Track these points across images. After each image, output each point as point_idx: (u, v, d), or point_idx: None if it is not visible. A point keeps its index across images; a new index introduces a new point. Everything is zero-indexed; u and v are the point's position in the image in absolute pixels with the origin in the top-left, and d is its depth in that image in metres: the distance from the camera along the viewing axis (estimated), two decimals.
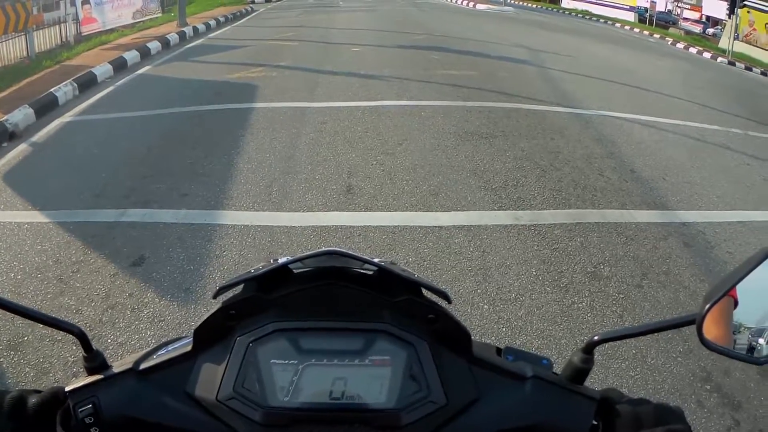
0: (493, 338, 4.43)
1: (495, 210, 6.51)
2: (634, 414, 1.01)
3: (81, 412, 0.97)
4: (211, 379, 0.99)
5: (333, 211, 6.30)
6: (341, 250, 1.00)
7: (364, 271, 1.07)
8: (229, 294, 1.03)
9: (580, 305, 4.97)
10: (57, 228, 5.74)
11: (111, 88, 11.56)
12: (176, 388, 1.00)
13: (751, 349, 1.03)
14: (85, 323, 4.32)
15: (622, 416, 1.01)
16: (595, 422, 1.04)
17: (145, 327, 4.35)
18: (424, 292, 1.05)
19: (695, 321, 1.00)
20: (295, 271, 1.06)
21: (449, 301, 1.03)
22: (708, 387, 4.15)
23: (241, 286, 1.04)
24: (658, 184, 7.81)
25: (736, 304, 1.03)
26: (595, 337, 1.06)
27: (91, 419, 0.97)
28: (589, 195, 7.10)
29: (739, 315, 1.04)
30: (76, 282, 4.89)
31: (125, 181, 6.79)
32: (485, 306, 4.83)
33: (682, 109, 12.97)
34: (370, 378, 0.97)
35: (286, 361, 0.97)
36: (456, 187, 6.98)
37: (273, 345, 0.97)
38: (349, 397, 0.97)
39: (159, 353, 1.06)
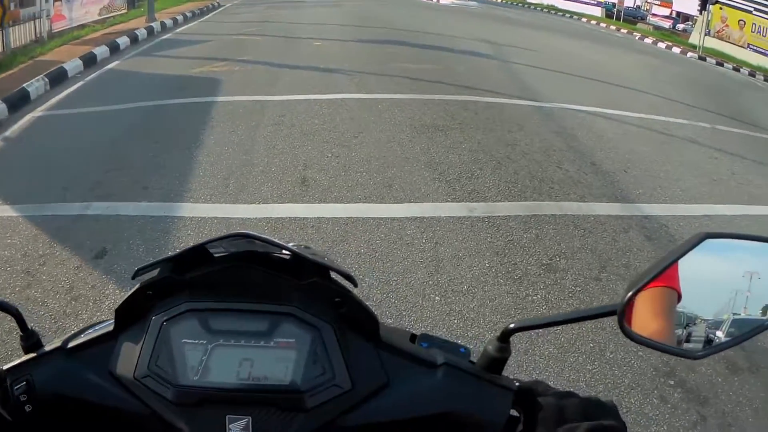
0: (444, 330, 4.44)
1: (449, 202, 6.51)
2: (558, 407, 0.98)
3: (16, 389, 0.99)
4: (130, 358, 1.00)
5: (287, 203, 6.29)
6: (252, 233, 1.01)
7: (280, 255, 1.07)
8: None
9: (534, 297, 4.99)
10: (25, 222, 5.73)
11: (81, 83, 11.51)
12: (100, 367, 1.02)
13: (709, 341, 1.01)
14: (51, 315, 4.40)
15: (545, 409, 0.98)
16: (517, 414, 1.03)
17: (106, 318, 4.32)
18: (335, 276, 1.04)
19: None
20: (216, 255, 1.06)
21: (355, 285, 1.03)
22: (671, 382, 4.15)
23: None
24: (619, 177, 7.86)
25: (679, 297, 1.02)
26: (511, 325, 1.04)
27: (25, 396, 1.00)
28: (546, 187, 7.12)
29: (694, 307, 1.02)
30: (42, 275, 4.90)
31: (91, 174, 6.76)
32: (437, 297, 4.83)
33: (647, 102, 13.12)
34: (276, 360, 0.98)
35: (197, 341, 0.98)
36: (410, 179, 6.99)
37: (185, 325, 0.99)
38: (256, 378, 0.97)
39: (87, 332, 1.08)
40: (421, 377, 1.03)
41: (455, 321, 4.57)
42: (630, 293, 0.95)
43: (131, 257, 5.14)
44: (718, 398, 4.07)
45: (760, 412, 4.03)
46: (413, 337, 1.12)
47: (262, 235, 1.01)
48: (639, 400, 3.98)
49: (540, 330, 4.54)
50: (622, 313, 0.96)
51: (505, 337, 1.04)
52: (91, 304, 4.54)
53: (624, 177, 7.88)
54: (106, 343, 1.03)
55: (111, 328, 1.04)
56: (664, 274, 0.98)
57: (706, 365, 4.32)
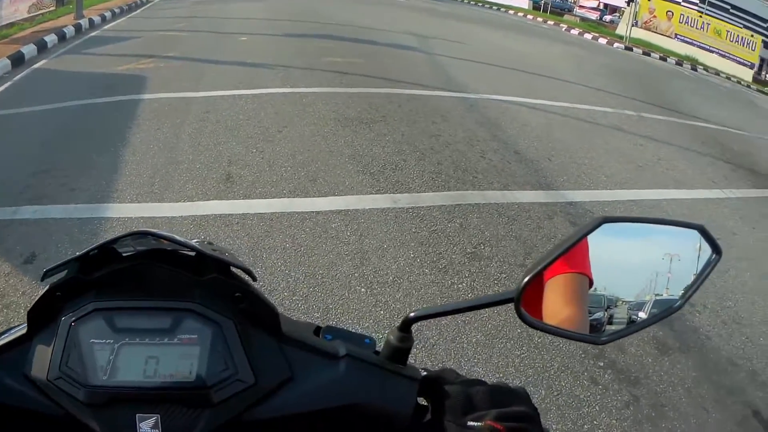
0: (371, 322, 4.48)
1: (373, 194, 6.53)
2: (466, 395, 0.98)
3: None
4: (43, 360, 0.99)
5: (212, 200, 6.24)
6: (154, 230, 1.01)
7: (185, 253, 1.07)
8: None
9: (459, 286, 5.05)
10: None
11: (8, 84, 11.16)
12: (15, 370, 1.00)
13: (632, 322, 1.02)
14: None
15: (452, 397, 0.99)
16: (425, 403, 1.04)
17: None
18: (237, 271, 1.05)
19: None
20: (124, 254, 1.06)
21: (254, 279, 1.04)
22: (601, 364, 4.24)
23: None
24: (543, 165, 7.97)
25: (591, 282, 1.03)
26: (411, 314, 1.04)
27: None
28: (469, 177, 7.19)
29: (615, 290, 1.04)
30: None
31: (20, 177, 6.59)
32: (362, 289, 4.86)
33: (572, 92, 13.30)
34: (181, 356, 0.98)
35: (104, 341, 0.97)
36: (334, 172, 6.98)
37: (92, 324, 0.98)
38: (162, 376, 0.97)
39: (2, 337, 1.06)
40: (324, 369, 1.03)
41: (381, 312, 4.60)
42: (526, 279, 0.95)
43: (60, 261, 5.05)
44: (650, 378, 4.18)
45: (692, 392, 4.15)
46: (318, 330, 1.12)
47: (164, 233, 1.01)
48: (569, 382, 4.06)
49: (467, 318, 4.67)
50: (519, 299, 0.95)
51: (405, 326, 1.05)
52: (22, 311, 4.39)
53: (548, 165, 8.00)
54: (21, 346, 1.02)
55: (25, 331, 1.02)
56: (570, 259, 1.00)
57: (635, 346, 4.43)
